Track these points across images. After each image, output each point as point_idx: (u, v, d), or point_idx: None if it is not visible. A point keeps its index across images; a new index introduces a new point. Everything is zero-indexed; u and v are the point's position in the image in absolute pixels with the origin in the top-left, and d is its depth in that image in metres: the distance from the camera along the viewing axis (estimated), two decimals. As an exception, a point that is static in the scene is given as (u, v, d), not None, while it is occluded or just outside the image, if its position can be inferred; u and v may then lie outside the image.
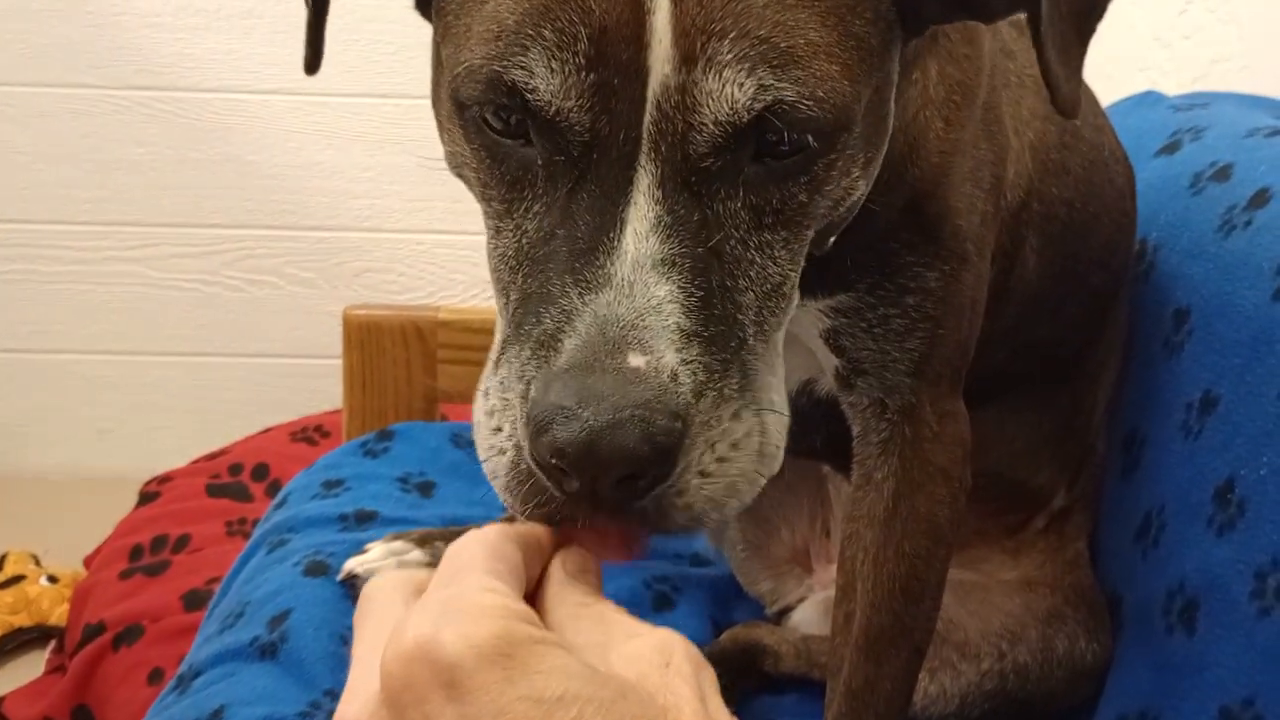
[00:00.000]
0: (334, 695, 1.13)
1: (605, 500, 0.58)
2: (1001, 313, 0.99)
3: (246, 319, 2.70)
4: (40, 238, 2.63)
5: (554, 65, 0.58)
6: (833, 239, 0.77)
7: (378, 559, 1.28)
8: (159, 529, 1.96)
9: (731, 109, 0.58)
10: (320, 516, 1.44)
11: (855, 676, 0.90)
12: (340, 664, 1.17)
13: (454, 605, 0.53)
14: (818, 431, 1.00)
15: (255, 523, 1.63)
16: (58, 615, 2.12)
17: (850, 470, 0.94)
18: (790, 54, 0.58)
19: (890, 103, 0.71)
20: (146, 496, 2.13)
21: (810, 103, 0.59)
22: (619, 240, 0.58)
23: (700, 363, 0.58)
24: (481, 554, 0.57)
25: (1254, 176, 1.09)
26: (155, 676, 1.64)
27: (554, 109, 0.59)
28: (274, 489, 2.01)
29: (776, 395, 0.65)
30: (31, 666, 2.08)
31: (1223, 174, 1.14)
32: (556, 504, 0.59)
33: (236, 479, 2.12)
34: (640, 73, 0.58)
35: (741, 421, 0.60)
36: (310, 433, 2.27)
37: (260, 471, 2.14)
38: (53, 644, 2.08)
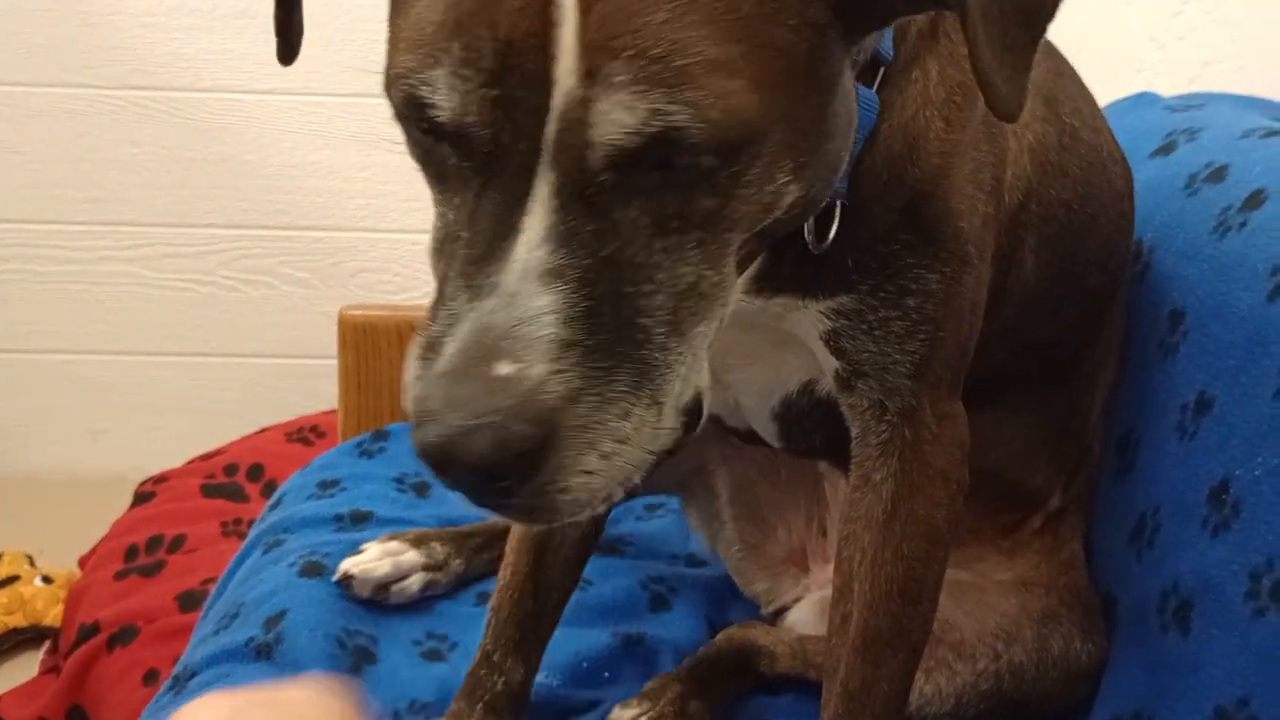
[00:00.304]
0: (330, 696, 1.13)
1: (478, 496, 0.61)
2: (999, 314, 0.99)
3: (242, 319, 2.69)
4: (35, 238, 2.62)
5: (456, 83, 0.60)
6: (813, 237, 0.78)
7: (373, 559, 1.29)
8: (154, 529, 1.95)
9: (623, 131, 0.59)
10: (316, 517, 1.45)
11: (852, 677, 0.90)
12: (336, 664, 1.17)
13: None
14: (818, 431, 1.00)
15: (250, 523, 1.63)
16: (52, 616, 2.11)
17: (849, 467, 0.94)
18: (684, 73, 0.58)
19: (838, 105, 0.68)
20: (142, 497, 2.12)
21: (702, 125, 0.58)
22: (511, 248, 0.60)
23: (578, 370, 0.59)
24: None
25: (1249, 178, 1.10)
26: (150, 677, 1.64)
27: (455, 125, 0.61)
28: (269, 489, 2.01)
29: (680, 384, 0.66)
30: (26, 667, 2.07)
31: (1218, 175, 1.14)
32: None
33: (232, 479, 2.12)
34: (545, 85, 0.59)
35: (630, 418, 0.62)
36: (306, 433, 2.27)
37: (255, 472, 2.14)
38: (47, 644, 2.07)
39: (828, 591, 1.01)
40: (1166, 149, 1.27)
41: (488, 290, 0.60)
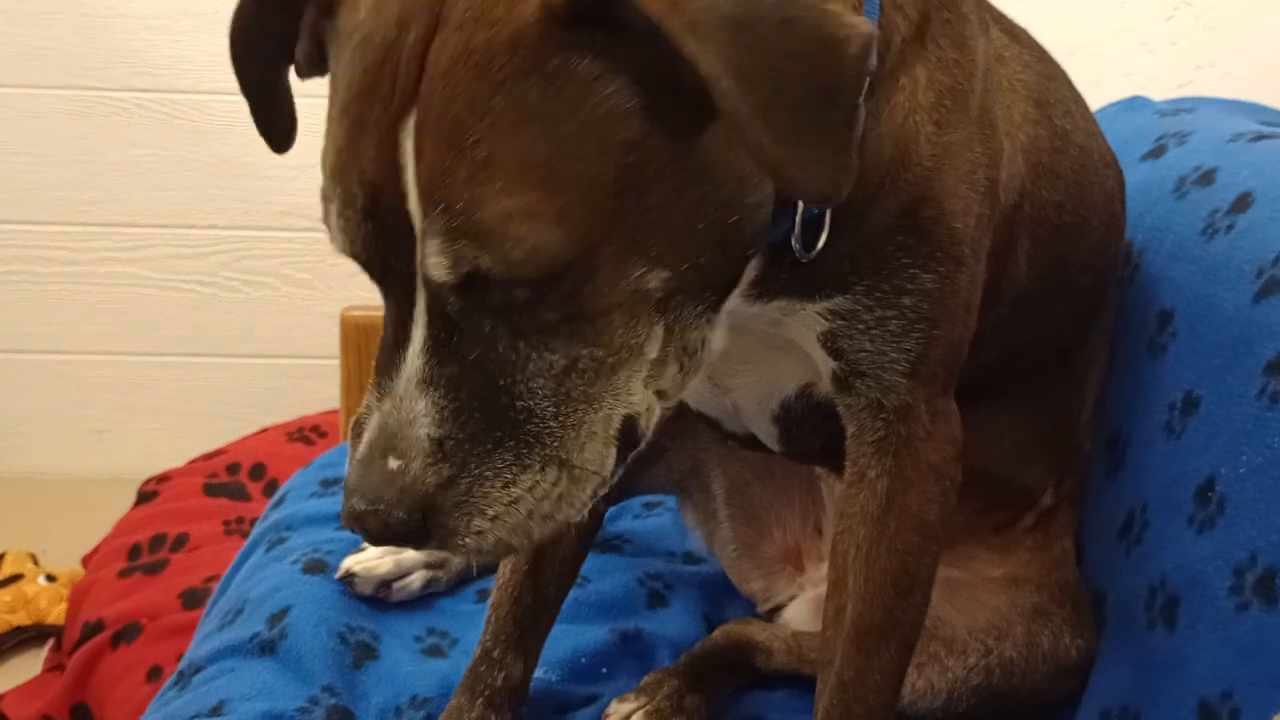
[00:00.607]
0: (333, 691, 1.15)
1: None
2: (992, 314, 1.00)
3: (243, 320, 2.70)
4: (37, 239, 2.64)
5: (341, 222, 0.70)
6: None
7: (375, 557, 1.30)
8: (157, 528, 1.97)
9: (440, 272, 0.67)
10: (318, 514, 1.46)
11: (846, 669, 0.92)
12: (338, 660, 1.19)
13: None
14: (817, 434, 1.01)
15: (253, 522, 1.65)
16: (56, 614, 2.12)
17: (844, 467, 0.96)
18: (481, 225, 0.65)
19: (694, 187, 0.70)
20: (145, 496, 2.14)
21: (504, 268, 0.65)
22: (404, 356, 0.71)
23: (451, 460, 0.70)
24: None
25: (1237, 181, 1.11)
26: (154, 674, 1.66)
27: (352, 250, 0.71)
28: (271, 488, 2.02)
29: (601, 427, 0.74)
30: (29, 665, 2.08)
31: (1206, 178, 1.16)
32: None
33: (234, 478, 2.13)
34: (407, 218, 0.67)
35: (518, 484, 0.72)
36: (307, 433, 2.29)
37: (258, 471, 2.16)
38: (51, 642, 2.08)
39: (822, 590, 1.02)
40: (1156, 152, 1.29)
41: (388, 391, 0.71)
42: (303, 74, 0.82)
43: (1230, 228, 1.07)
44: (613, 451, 0.75)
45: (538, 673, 1.15)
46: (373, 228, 0.68)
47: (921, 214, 0.85)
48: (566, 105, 0.65)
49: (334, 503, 1.50)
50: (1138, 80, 1.70)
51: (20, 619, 2.14)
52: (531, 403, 0.71)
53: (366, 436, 0.72)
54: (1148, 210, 1.21)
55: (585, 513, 0.76)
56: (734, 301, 0.86)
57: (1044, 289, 1.05)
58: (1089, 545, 1.18)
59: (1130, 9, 1.75)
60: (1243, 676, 0.87)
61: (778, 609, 1.29)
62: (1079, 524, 1.20)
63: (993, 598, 1.12)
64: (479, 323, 0.69)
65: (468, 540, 0.72)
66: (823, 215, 0.82)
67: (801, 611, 1.26)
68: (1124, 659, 1.04)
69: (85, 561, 2.14)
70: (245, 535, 1.69)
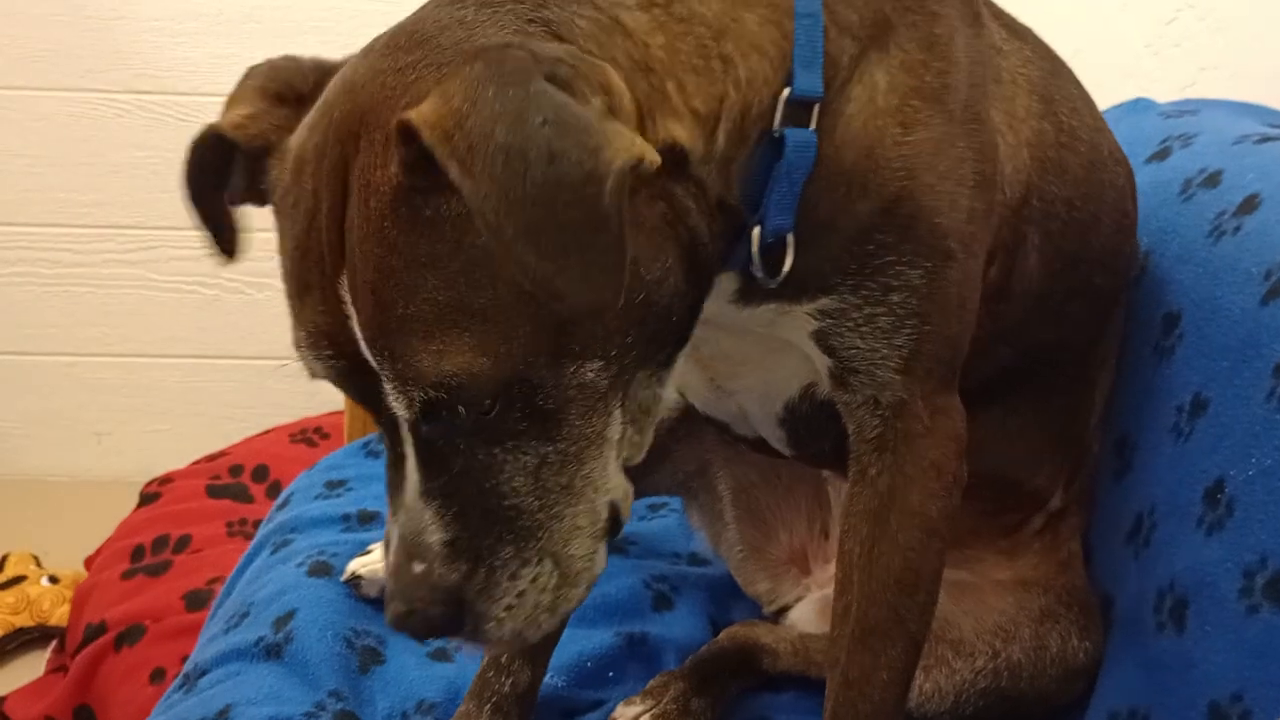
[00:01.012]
0: (339, 696, 1.15)
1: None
2: (1004, 312, 1.00)
3: (246, 321, 2.70)
4: (40, 241, 2.64)
5: (311, 357, 0.77)
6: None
7: (381, 559, 1.30)
8: (160, 529, 1.97)
9: (401, 409, 0.73)
10: (323, 517, 1.46)
11: (852, 667, 0.91)
12: (345, 665, 1.19)
13: None
14: (825, 435, 1.01)
15: (256, 523, 1.65)
16: (59, 616, 2.12)
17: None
18: (419, 369, 0.70)
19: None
20: (147, 497, 2.14)
21: (449, 399, 0.72)
22: (406, 474, 0.77)
23: (464, 556, 0.77)
24: None
25: (1243, 183, 1.11)
26: (157, 676, 1.65)
27: (332, 380, 0.77)
28: (274, 490, 2.02)
29: (584, 518, 0.80)
30: (33, 667, 2.08)
31: (1212, 180, 1.16)
32: None
33: (237, 480, 2.13)
34: (364, 359, 0.73)
35: (520, 578, 0.78)
36: (310, 434, 2.28)
37: (260, 473, 2.15)
38: (54, 644, 2.08)
39: (829, 591, 1.02)
40: (1162, 154, 1.29)
41: (399, 508, 0.78)
42: (235, 203, 0.88)
43: (1237, 230, 1.07)
44: (602, 548, 0.82)
45: (545, 678, 1.14)
46: (344, 365, 0.75)
47: (899, 212, 0.85)
48: (448, 246, 0.70)
49: (338, 504, 1.50)
50: (1142, 83, 1.70)
51: (23, 620, 2.14)
52: (517, 500, 0.77)
53: (392, 548, 0.79)
54: (1153, 213, 1.21)
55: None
56: (723, 307, 0.88)
57: (1057, 287, 1.05)
58: (1097, 548, 1.18)
59: (1133, 11, 1.75)
60: (1253, 678, 0.87)
61: (784, 611, 1.29)
62: (1087, 526, 1.20)
63: (1000, 600, 1.12)
64: (454, 440, 0.75)
65: (491, 625, 0.79)
66: (783, 243, 0.83)
67: (808, 613, 1.25)
68: (1132, 661, 1.03)
69: (88, 563, 2.13)
70: (248, 537, 1.69)
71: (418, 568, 0.77)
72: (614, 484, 0.81)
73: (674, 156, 0.77)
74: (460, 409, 0.73)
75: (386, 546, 0.80)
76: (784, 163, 0.81)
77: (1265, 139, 1.18)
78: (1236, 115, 1.35)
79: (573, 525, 0.79)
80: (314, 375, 0.78)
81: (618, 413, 0.79)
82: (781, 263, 0.84)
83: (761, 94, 0.81)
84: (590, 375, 0.75)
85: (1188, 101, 1.48)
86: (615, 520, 0.83)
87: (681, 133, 0.78)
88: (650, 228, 0.76)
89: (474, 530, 0.77)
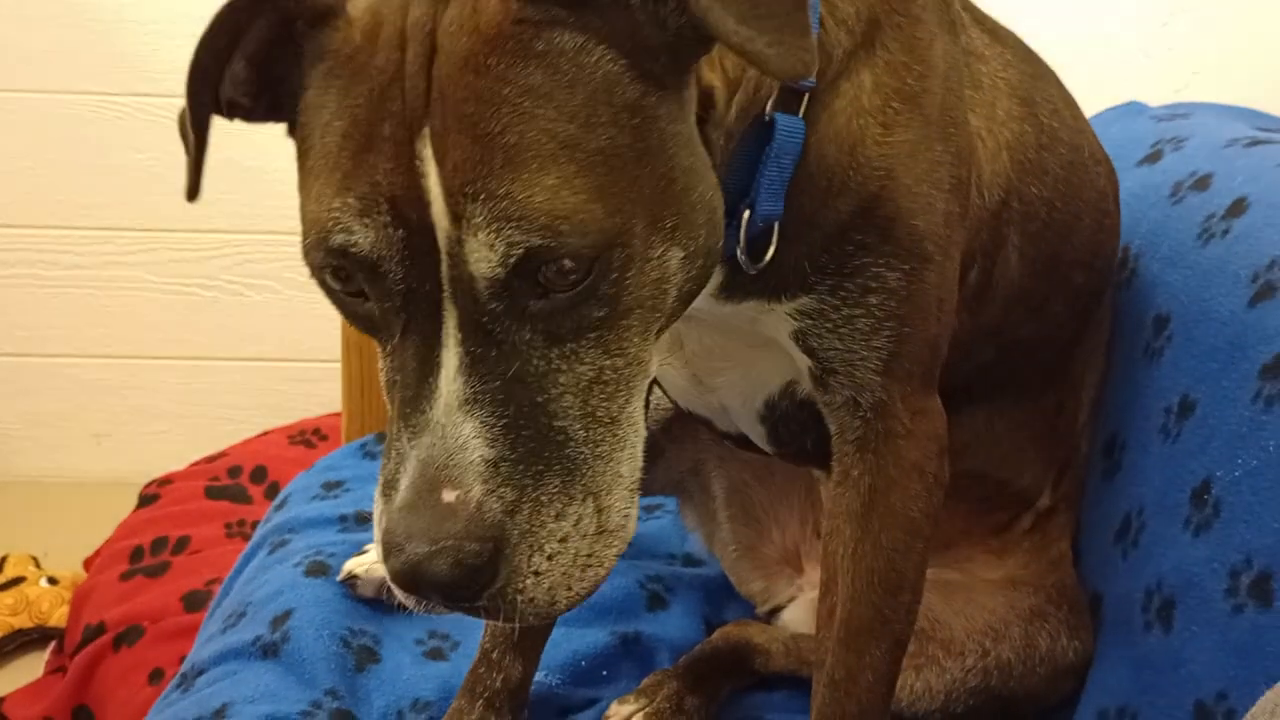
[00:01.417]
0: (335, 694, 1.16)
1: (451, 605, 0.70)
2: (985, 311, 1.01)
3: (245, 323, 2.71)
4: (40, 242, 2.64)
5: (366, 222, 0.68)
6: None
7: (377, 559, 1.30)
8: (159, 531, 1.97)
9: (490, 265, 0.66)
10: (320, 517, 1.47)
11: (837, 668, 0.92)
12: (341, 664, 1.19)
13: None
14: (806, 433, 1.02)
15: (254, 524, 1.65)
16: (58, 617, 2.13)
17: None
18: (530, 206, 0.65)
19: (683, 155, 0.73)
20: (146, 499, 2.14)
21: (557, 244, 0.66)
22: (436, 383, 0.68)
23: (510, 484, 0.67)
24: None
25: (1232, 186, 1.12)
26: (155, 676, 1.66)
27: (375, 258, 0.68)
28: (272, 491, 2.03)
29: (626, 466, 0.73)
30: (31, 667, 2.09)
31: (1202, 183, 1.17)
32: (427, 604, 0.71)
33: (235, 481, 2.14)
34: (429, 230, 0.67)
35: (566, 517, 0.69)
36: (308, 436, 2.29)
37: (259, 474, 2.16)
38: (53, 645, 2.08)
39: (821, 592, 1.03)
40: (1153, 157, 1.30)
41: (422, 427, 0.68)
42: (234, 113, 0.82)
43: (1226, 233, 1.08)
44: (635, 509, 0.75)
45: (538, 675, 1.15)
46: (400, 234, 0.67)
47: (877, 213, 0.86)
48: (566, 79, 0.67)
49: (336, 505, 1.51)
50: (1134, 86, 1.71)
51: (22, 621, 2.15)
52: (565, 423, 0.70)
53: (407, 480, 0.68)
54: (1144, 215, 1.22)
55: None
56: (707, 301, 0.88)
57: (1037, 286, 1.06)
58: (1086, 547, 1.19)
59: (1126, 15, 1.76)
60: (1238, 677, 0.88)
61: (777, 610, 1.30)
62: (1076, 526, 1.20)
63: (990, 599, 1.13)
64: (515, 332, 0.68)
65: (526, 584, 0.68)
66: (769, 229, 0.84)
67: (800, 613, 1.26)
68: (1121, 660, 1.04)
69: (87, 564, 2.14)
70: (246, 538, 1.70)
71: (449, 496, 0.66)
72: (641, 428, 0.75)
73: (704, 104, 0.77)
74: (554, 270, 0.66)
75: (388, 489, 0.69)
76: (773, 146, 0.82)
77: (1255, 143, 1.19)
78: (1227, 119, 1.36)
79: (615, 471, 0.72)
80: (345, 250, 0.68)
81: (654, 364, 0.76)
82: (765, 251, 0.84)
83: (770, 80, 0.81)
84: (671, 265, 0.71)
85: (1179, 105, 1.49)
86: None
87: (716, 82, 0.78)
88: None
89: (521, 453, 0.68)
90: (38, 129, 2.57)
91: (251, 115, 0.82)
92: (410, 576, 0.67)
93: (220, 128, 0.84)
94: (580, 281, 0.68)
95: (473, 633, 1.22)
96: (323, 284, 0.73)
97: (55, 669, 1.98)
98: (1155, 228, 1.19)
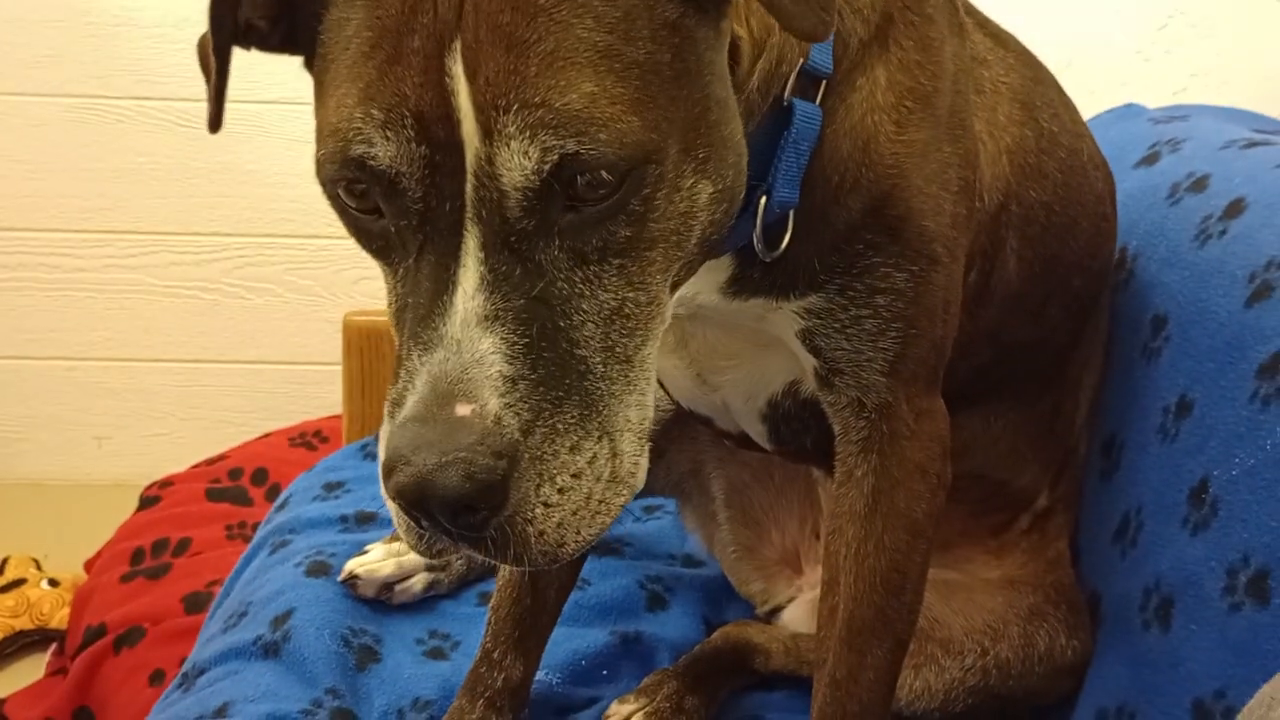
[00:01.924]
0: (336, 693, 1.16)
1: (456, 532, 0.66)
2: (983, 314, 1.02)
3: (246, 326, 2.72)
4: (41, 245, 2.65)
5: (389, 135, 0.66)
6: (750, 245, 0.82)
7: (378, 559, 1.31)
8: (160, 533, 1.97)
9: (524, 175, 0.65)
10: (321, 518, 1.47)
11: (839, 667, 0.93)
12: (341, 663, 1.20)
13: None
14: (807, 432, 1.02)
15: (255, 526, 1.66)
16: (59, 618, 2.13)
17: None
18: (566, 112, 0.64)
19: (718, 88, 0.73)
20: (147, 501, 2.14)
21: (594, 148, 0.64)
22: (451, 301, 0.66)
23: (527, 403, 0.65)
24: None
25: (1229, 187, 1.13)
26: (156, 678, 1.66)
27: (394, 173, 0.66)
28: (273, 493, 2.03)
29: (636, 411, 0.71)
30: (33, 669, 2.09)
31: (1200, 185, 1.17)
32: (430, 539, 0.68)
33: (236, 483, 2.14)
34: (457, 148, 0.66)
35: (581, 453, 0.67)
36: (309, 438, 2.29)
37: (260, 476, 2.16)
38: (54, 647, 2.09)
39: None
40: (1150, 159, 1.30)
41: (436, 343, 0.66)
42: (251, 40, 0.79)
43: (1223, 233, 1.08)
44: (645, 459, 0.73)
45: (539, 675, 1.16)
46: (423, 149, 0.66)
47: (888, 212, 0.86)
48: None
49: (337, 506, 1.51)
50: (1132, 88, 1.72)
51: (23, 623, 2.15)
52: (586, 353, 0.68)
53: (416, 394, 0.65)
54: (1142, 216, 1.22)
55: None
56: (714, 298, 0.88)
57: (1035, 289, 1.06)
58: (1084, 547, 1.19)
59: (1124, 18, 1.76)
60: (1236, 675, 0.88)
61: (776, 611, 1.30)
62: (1074, 526, 1.21)
63: (989, 599, 1.13)
64: (541, 250, 0.67)
65: (536, 514, 0.66)
66: (785, 216, 0.84)
67: (800, 613, 1.27)
68: (1119, 659, 1.05)
69: (88, 566, 2.14)
70: (247, 540, 1.70)
71: (463, 409, 0.63)
72: (652, 382, 0.74)
73: (731, 55, 0.77)
74: (586, 181, 0.65)
75: (395, 404, 0.67)
76: (791, 131, 0.82)
77: (1252, 144, 1.20)
78: (1225, 121, 1.36)
79: (626, 415, 0.70)
80: (363, 162, 0.67)
81: (669, 311, 0.75)
82: (780, 240, 0.84)
83: (792, 51, 0.82)
84: (700, 199, 0.70)
85: (1177, 107, 1.49)
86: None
87: (743, 34, 0.78)
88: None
89: (541, 375, 0.65)
90: (39, 132, 2.58)
91: (268, 42, 0.79)
92: (416, 491, 0.64)
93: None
94: (611, 195, 0.66)
95: (473, 632, 1.22)
96: (335, 200, 0.71)
97: (56, 671, 1.99)
98: (1153, 229, 1.19)
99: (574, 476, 0.67)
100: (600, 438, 0.68)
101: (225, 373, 2.75)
